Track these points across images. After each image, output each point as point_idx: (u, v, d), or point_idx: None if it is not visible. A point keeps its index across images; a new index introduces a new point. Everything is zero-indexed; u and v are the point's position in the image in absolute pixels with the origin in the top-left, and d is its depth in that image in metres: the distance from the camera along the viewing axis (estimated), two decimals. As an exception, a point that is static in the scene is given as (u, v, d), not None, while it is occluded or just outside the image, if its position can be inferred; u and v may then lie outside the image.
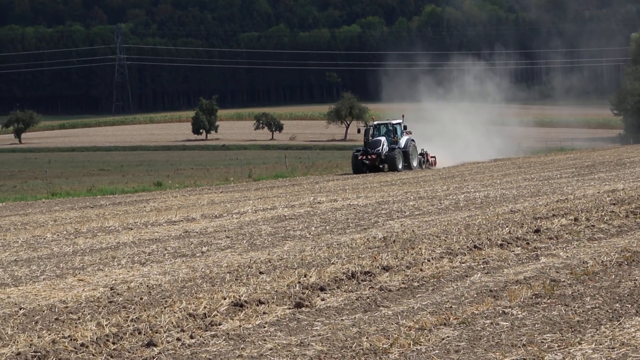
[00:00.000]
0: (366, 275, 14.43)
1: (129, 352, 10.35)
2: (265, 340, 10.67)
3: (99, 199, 39.03)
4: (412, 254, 16.39)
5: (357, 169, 51.85)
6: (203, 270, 15.90)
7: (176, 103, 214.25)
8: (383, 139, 52.49)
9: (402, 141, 52.88)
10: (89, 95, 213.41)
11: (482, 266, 15.19)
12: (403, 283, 13.91)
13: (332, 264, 15.72)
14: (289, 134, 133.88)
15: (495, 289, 13.11)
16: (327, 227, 21.96)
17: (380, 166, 51.63)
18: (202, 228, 23.30)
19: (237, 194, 38.14)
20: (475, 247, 16.94)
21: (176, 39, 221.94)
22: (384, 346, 10.05)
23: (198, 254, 18.19)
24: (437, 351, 9.81)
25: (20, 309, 13.00)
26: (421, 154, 54.78)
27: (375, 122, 55.20)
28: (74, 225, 25.75)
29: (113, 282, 15.16)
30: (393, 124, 53.98)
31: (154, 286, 14.44)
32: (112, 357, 10.17)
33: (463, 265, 15.31)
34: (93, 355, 10.23)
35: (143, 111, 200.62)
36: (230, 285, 14.03)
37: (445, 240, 18.01)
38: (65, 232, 23.70)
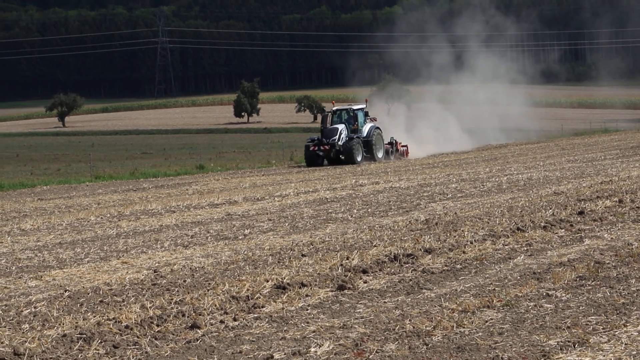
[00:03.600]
0: (408, 258, 14.40)
1: (173, 334, 10.42)
2: (308, 322, 10.69)
3: (142, 182, 39.32)
4: (454, 237, 16.32)
5: (311, 160, 45.80)
6: (245, 252, 15.95)
7: (218, 86, 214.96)
8: (341, 127, 46.27)
9: (365, 129, 46.76)
10: (131, 79, 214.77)
11: (525, 248, 15.09)
12: (446, 265, 13.86)
13: (375, 246, 15.69)
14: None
15: (539, 271, 13.01)
16: (369, 210, 21.93)
17: (342, 157, 45.67)
18: (244, 211, 23.38)
19: (278, 177, 38.20)
20: (518, 229, 16.82)
21: (218, 22, 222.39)
22: (427, 328, 10.02)
23: (240, 237, 18.25)
24: (480, 333, 9.76)
25: (66, 291, 13.14)
26: (390, 143, 48.52)
27: (334, 108, 48.29)
28: (117, 208, 25.97)
29: (156, 264, 15.27)
30: (354, 110, 47.35)
31: (197, 269, 14.52)
32: (156, 339, 10.24)
33: (506, 247, 15.22)
34: (137, 337, 10.31)
35: (185, 94, 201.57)
36: (273, 268, 14.07)
37: (488, 223, 17.90)
38: (108, 215, 23.91)
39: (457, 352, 9.12)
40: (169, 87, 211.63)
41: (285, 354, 9.33)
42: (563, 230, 16.80)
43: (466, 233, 16.61)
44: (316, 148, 45.78)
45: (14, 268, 15.64)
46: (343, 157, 45.53)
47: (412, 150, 51.51)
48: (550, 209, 19.59)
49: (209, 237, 18.40)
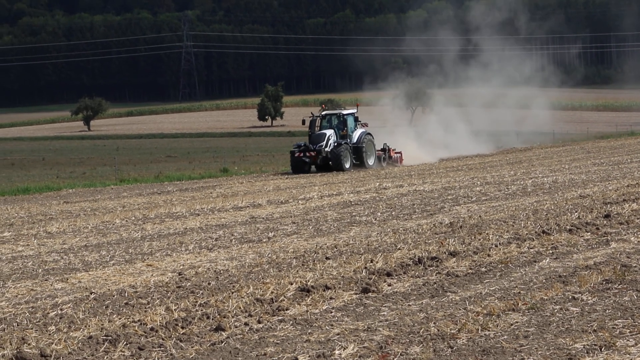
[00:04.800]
0: (433, 261, 14.36)
1: (198, 336, 10.44)
2: (332, 325, 10.68)
3: (166, 185, 39.46)
4: (479, 240, 16.26)
5: (298, 167, 43.79)
6: (270, 255, 15.97)
7: (242, 90, 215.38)
8: (330, 132, 44.35)
9: (355, 135, 44.92)
10: (156, 83, 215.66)
11: (550, 251, 15.00)
12: (470, 268, 13.80)
13: (399, 249, 15.66)
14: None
15: (565, 274, 12.93)
16: (393, 213, 21.89)
17: (330, 164, 43.84)
18: (268, 214, 23.40)
19: (302, 180, 38.22)
20: (543, 232, 16.73)
21: (242, 26, 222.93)
22: (452, 331, 9.98)
23: (264, 240, 18.27)
24: (505, 337, 9.71)
25: (91, 293, 13.20)
26: (382, 150, 46.73)
27: (323, 113, 46.24)
28: (142, 211, 26.07)
29: (181, 267, 15.31)
30: (344, 115, 45.55)
31: (222, 271, 14.54)
32: (181, 341, 10.27)
33: (531, 250, 15.14)
34: (162, 339, 10.34)
35: (209, 98, 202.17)
36: (297, 271, 14.07)
37: (513, 226, 17.82)
38: (133, 218, 24.00)
39: (482, 355, 9.08)
40: (193, 91, 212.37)
41: (309, 357, 9.32)
42: (589, 233, 16.69)
43: (491, 236, 16.54)
44: (302, 154, 43.81)
45: (40, 270, 15.73)
46: (331, 164, 43.73)
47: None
48: (576, 212, 19.48)
49: (233, 240, 18.43)
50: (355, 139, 44.87)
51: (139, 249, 17.87)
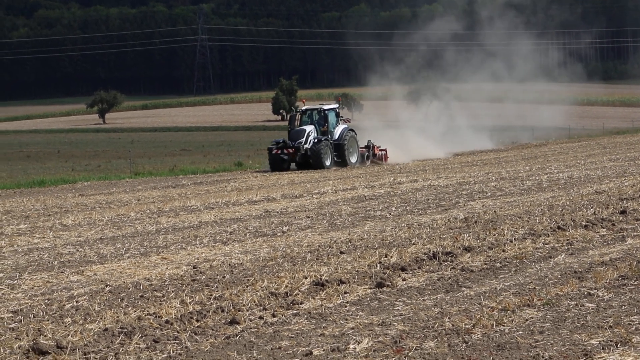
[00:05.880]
0: (447, 256, 14.34)
1: (212, 329, 10.47)
2: (346, 319, 10.68)
3: (181, 178, 39.52)
4: (494, 235, 16.23)
5: (275, 165, 41.75)
6: (284, 249, 15.98)
7: (256, 83, 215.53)
8: (310, 128, 42.33)
9: (337, 131, 42.81)
10: (171, 76, 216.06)
11: (566, 247, 14.97)
12: (485, 264, 13.78)
13: (413, 244, 15.65)
14: (369, 114, 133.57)
15: (580, 270, 12.90)
16: (408, 208, 21.87)
17: (310, 161, 41.74)
18: (282, 208, 23.42)
19: (316, 174, 38.22)
20: (558, 228, 16.69)
21: (257, 19, 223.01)
22: (467, 326, 9.97)
23: (279, 234, 18.29)
24: (520, 332, 9.69)
25: (106, 286, 13.25)
26: (366, 147, 44.43)
27: (304, 107, 44.03)
28: (157, 204, 26.14)
29: (196, 260, 15.35)
30: (324, 110, 43.11)
31: (236, 265, 14.57)
32: (196, 334, 10.30)
33: (546, 246, 15.10)
34: (177, 332, 10.37)
35: (224, 91, 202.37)
36: (311, 265, 14.08)
37: (528, 221, 17.78)
38: (148, 211, 24.07)
39: (497, 351, 9.06)
40: (207, 85, 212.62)
41: (324, 350, 9.33)
42: (605, 229, 16.64)
43: (506, 231, 16.51)
44: (280, 152, 41.75)
45: (56, 263, 15.80)
46: (311, 161, 41.63)
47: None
48: (592, 207, 19.42)
49: (248, 234, 18.46)
50: (336, 136, 42.73)
51: (154, 242, 17.92)
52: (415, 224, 18.55)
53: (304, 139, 41.84)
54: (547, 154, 45.17)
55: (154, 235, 18.92)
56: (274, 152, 41.97)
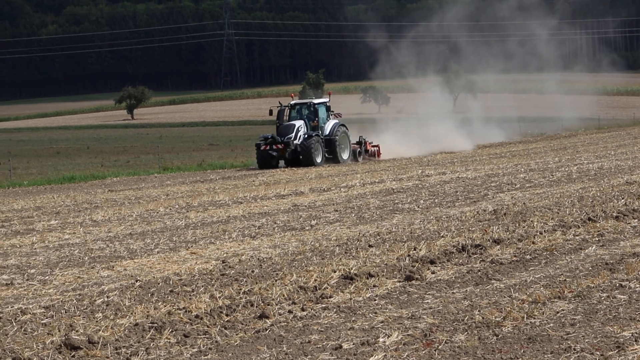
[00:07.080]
0: (477, 249, 14.28)
1: (242, 323, 10.49)
2: (376, 312, 10.67)
3: (209, 173, 39.63)
4: (523, 227, 16.14)
5: (264, 162, 39.78)
6: (312, 243, 15.98)
7: (283, 77, 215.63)
8: (299, 123, 40.36)
9: (327, 127, 41.00)
10: (198, 71, 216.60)
11: (597, 239, 14.86)
12: (515, 256, 13.71)
13: (442, 237, 15.60)
14: (396, 107, 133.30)
15: (612, 261, 12.80)
16: (436, 200, 21.81)
17: (300, 158, 39.92)
18: (310, 202, 23.43)
19: (344, 168, 38.18)
20: (589, 219, 16.58)
21: (283, 13, 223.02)
22: (497, 319, 9.93)
23: (307, 228, 18.30)
24: (551, 324, 9.63)
25: (137, 281, 13.32)
26: (358, 143, 42.66)
27: (292, 102, 42.35)
28: (185, 199, 26.23)
29: (225, 255, 15.38)
30: (315, 104, 41.46)
31: (265, 259, 14.59)
32: (225, 328, 10.33)
33: (577, 238, 15.00)
34: (207, 326, 10.40)
35: (251, 86, 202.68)
36: (340, 259, 14.07)
37: (558, 213, 17.67)
38: (177, 206, 24.16)
39: (528, 343, 9.01)
40: (234, 79, 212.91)
41: (353, 344, 9.33)
42: (636, 220, 16.51)
43: (535, 223, 16.41)
44: (268, 147, 39.67)
45: (86, 258, 15.90)
46: (301, 158, 39.81)
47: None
48: (623, 198, 19.26)
49: (276, 228, 18.48)
50: (327, 131, 40.87)
51: (182, 237, 17.98)
52: (444, 216, 18.49)
53: (293, 134, 39.96)
54: (576, 145, 44.87)
55: (183, 230, 18.99)
56: (262, 148, 39.90)
